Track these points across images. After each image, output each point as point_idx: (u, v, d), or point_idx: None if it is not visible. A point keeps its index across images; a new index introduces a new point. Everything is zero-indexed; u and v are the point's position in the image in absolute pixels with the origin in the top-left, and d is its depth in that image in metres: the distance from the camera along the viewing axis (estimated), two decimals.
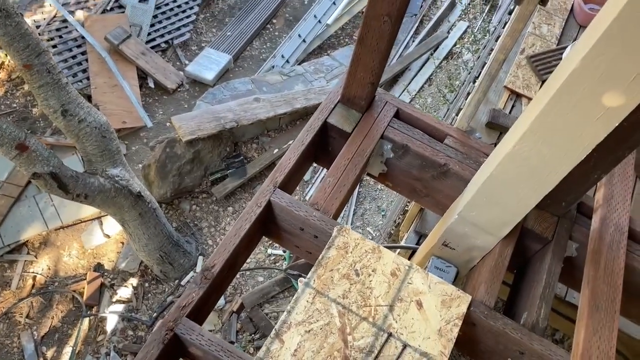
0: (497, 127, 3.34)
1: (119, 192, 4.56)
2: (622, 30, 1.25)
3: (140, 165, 6.59)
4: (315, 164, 4.18)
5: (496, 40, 4.32)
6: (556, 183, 1.74)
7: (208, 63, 7.87)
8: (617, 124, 1.47)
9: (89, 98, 7.21)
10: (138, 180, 4.91)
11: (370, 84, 2.22)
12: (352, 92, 2.30)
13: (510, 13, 4.61)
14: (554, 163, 1.65)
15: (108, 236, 6.28)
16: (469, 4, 8.41)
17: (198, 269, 6.06)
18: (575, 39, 3.91)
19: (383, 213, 6.39)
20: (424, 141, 2.32)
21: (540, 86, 3.57)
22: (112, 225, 6.27)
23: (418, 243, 3.24)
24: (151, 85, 7.64)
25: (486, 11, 8.08)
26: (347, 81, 2.27)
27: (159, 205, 5.72)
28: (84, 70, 7.45)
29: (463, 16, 8.42)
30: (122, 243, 6.28)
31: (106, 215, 6.23)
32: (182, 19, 8.42)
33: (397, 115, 2.41)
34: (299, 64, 8.14)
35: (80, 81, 7.34)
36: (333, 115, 2.34)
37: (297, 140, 2.25)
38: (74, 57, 7.53)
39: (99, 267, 6.12)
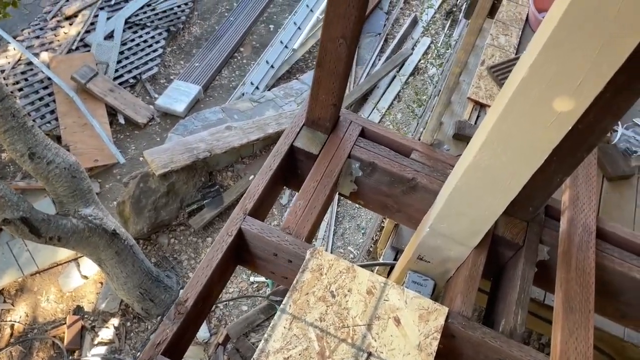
0: (464, 138, 3.39)
1: (93, 231, 4.49)
2: (563, 38, 1.29)
3: (115, 203, 6.51)
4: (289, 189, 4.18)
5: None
6: (519, 189, 1.77)
7: (178, 95, 7.87)
8: (570, 128, 1.51)
9: (58, 139, 7.13)
10: (112, 218, 4.84)
11: (332, 105, 2.25)
12: (315, 114, 2.32)
13: None
14: (515, 170, 1.68)
15: (86, 277, 6.15)
16: (430, 21, 8.60)
17: None
18: None
19: (363, 231, 6.40)
20: (390, 157, 2.34)
21: None
22: (89, 266, 6.15)
23: (395, 259, 3.25)
24: (121, 121, 7.60)
25: (447, 26, 8.27)
26: (310, 104, 2.30)
27: (136, 241, 5.64)
28: (52, 112, 7.37)
29: (425, 32, 8.60)
30: (101, 283, 6.16)
31: (83, 256, 6.12)
32: (149, 54, 8.43)
33: (363, 133, 2.44)
34: (269, 90, 8.19)
35: (49, 122, 7.26)
36: (299, 139, 2.36)
37: (264, 165, 2.25)
38: (41, 99, 7.46)
39: (78, 310, 5.98)
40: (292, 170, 2.42)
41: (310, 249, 1.98)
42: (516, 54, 3.95)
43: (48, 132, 7.12)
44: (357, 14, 1.85)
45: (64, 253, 6.14)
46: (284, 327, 1.79)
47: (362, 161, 2.34)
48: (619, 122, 3.48)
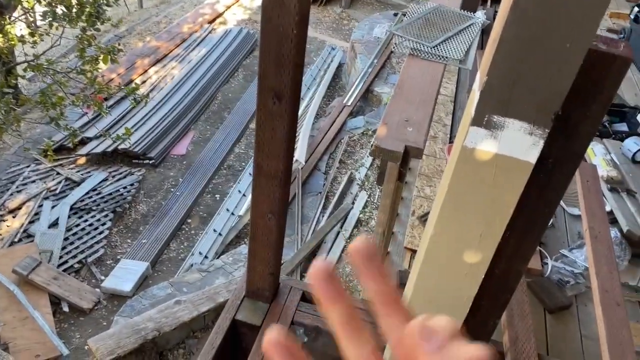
0: None
1: None
2: (454, 202, 1.46)
3: None
4: None
5: None
6: None
7: (125, 274, 7.74)
8: (483, 276, 1.63)
9: None
10: None
11: (270, 274, 2.32)
12: (255, 285, 2.38)
13: None
14: None
15: None
16: (363, 178, 9.19)
17: None
18: None
19: None
20: None
21: None
22: None
23: None
24: (65, 309, 7.29)
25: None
26: (249, 276, 2.36)
27: None
28: None
29: (362, 188, 9.12)
30: None
31: None
32: (94, 237, 8.41)
33: (304, 297, 2.49)
34: (218, 257, 8.21)
35: None
36: (241, 311, 2.37)
37: (207, 344, 2.22)
38: None
39: None
40: (235, 344, 2.39)
41: None
42: None
43: None
44: (281, 191, 2.02)
45: None
46: None
47: (306, 326, 2.35)
48: (548, 255, 3.69)
